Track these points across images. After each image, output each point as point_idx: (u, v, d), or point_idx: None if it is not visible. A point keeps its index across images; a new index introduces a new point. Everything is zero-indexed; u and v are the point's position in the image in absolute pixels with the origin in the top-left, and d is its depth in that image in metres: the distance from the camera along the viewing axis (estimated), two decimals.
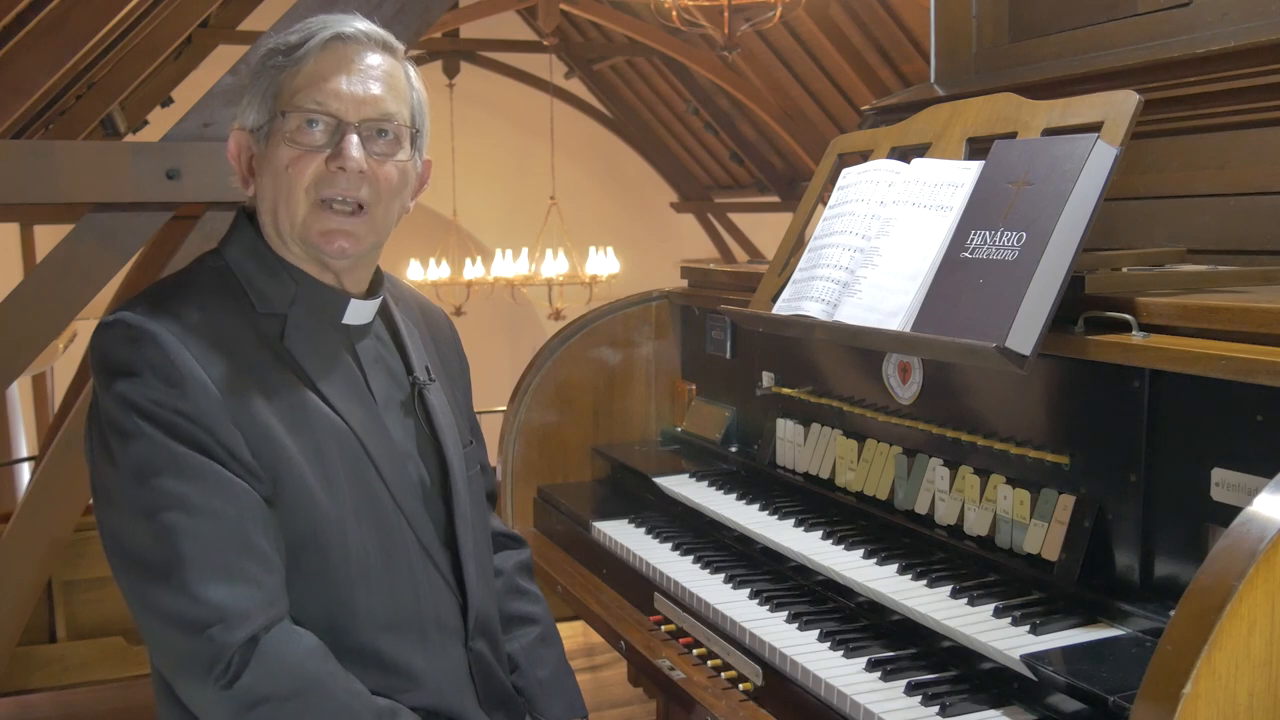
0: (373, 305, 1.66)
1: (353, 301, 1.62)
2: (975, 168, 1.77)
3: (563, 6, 9.61)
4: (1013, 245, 1.61)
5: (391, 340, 1.71)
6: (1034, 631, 1.54)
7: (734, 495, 2.33)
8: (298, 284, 1.58)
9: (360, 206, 1.55)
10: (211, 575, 1.39)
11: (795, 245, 2.14)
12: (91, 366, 1.49)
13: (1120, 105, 1.65)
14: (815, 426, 2.26)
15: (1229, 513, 1.31)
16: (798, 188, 11.16)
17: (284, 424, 1.49)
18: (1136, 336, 1.52)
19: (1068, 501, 1.66)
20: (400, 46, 1.62)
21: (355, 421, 1.56)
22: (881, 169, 1.95)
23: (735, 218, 12.79)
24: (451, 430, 1.72)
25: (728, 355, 2.65)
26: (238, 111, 1.60)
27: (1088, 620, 1.57)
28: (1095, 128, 1.65)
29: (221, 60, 7.59)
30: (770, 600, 1.93)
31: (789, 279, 2.05)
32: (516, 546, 1.97)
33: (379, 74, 1.56)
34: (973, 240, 1.68)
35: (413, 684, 1.56)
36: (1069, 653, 1.48)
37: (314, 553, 1.50)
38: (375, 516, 1.56)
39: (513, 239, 10.64)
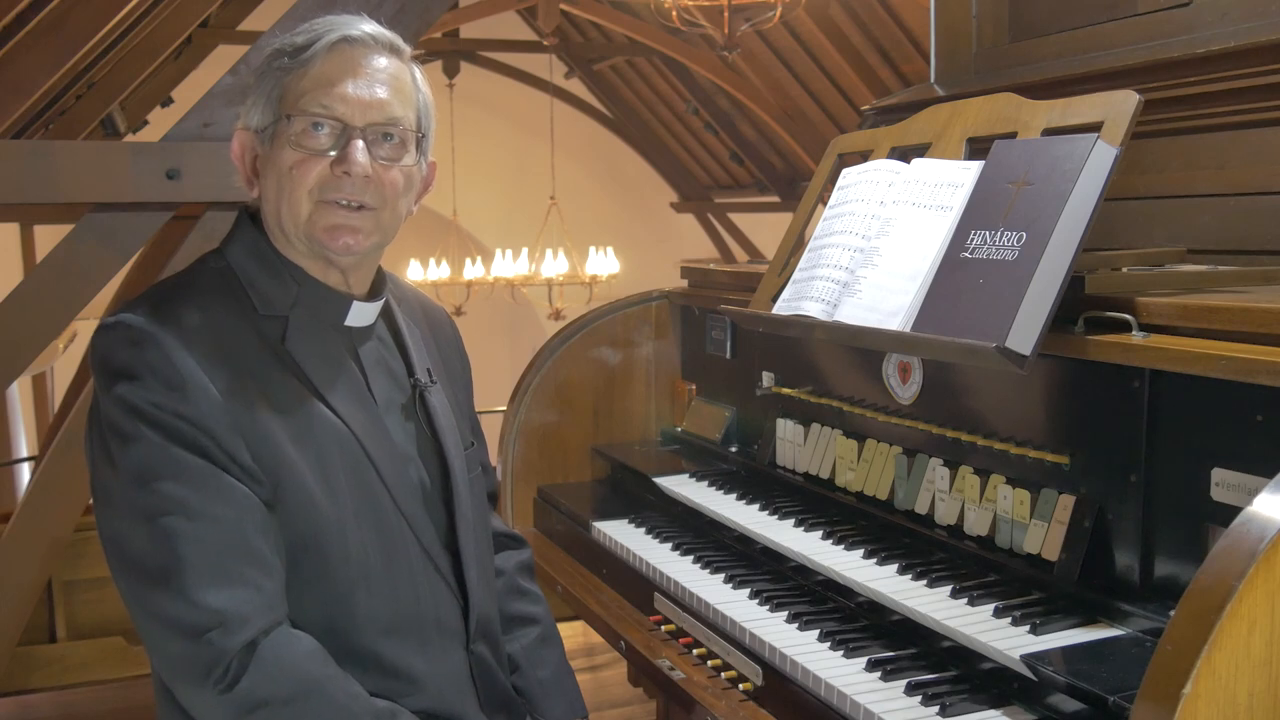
0: (375, 307, 1.66)
1: (355, 304, 1.62)
2: (975, 168, 1.77)
3: (563, 6, 9.60)
4: (1013, 245, 1.61)
5: (393, 341, 1.71)
6: (1034, 631, 1.54)
7: (734, 495, 2.33)
8: (300, 285, 1.57)
9: (363, 205, 1.55)
10: (211, 580, 1.39)
11: (795, 245, 2.14)
12: (92, 368, 1.49)
13: (1120, 105, 1.65)
14: (815, 426, 2.26)
15: (1229, 513, 1.31)
16: (798, 188, 11.16)
17: (285, 427, 1.49)
18: (1136, 336, 1.52)
19: (1068, 501, 1.66)
20: (407, 49, 1.61)
21: (356, 424, 1.55)
22: (881, 169, 1.95)
23: (735, 218, 12.78)
24: (453, 432, 1.71)
25: (728, 355, 2.65)
26: (242, 111, 1.59)
27: (1088, 620, 1.57)
28: (1095, 128, 1.65)
29: (221, 60, 7.59)
30: (770, 600, 1.93)
31: (789, 279, 2.05)
32: (517, 547, 1.97)
33: (385, 77, 1.55)
34: (973, 240, 1.68)
35: (413, 687, 1.56)
36: (1069, 653, 1.48)
37: (314, 556, 1.49)
38: (376, 519, 1.55)
39: (513, 239, 10.63)
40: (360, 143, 1.52)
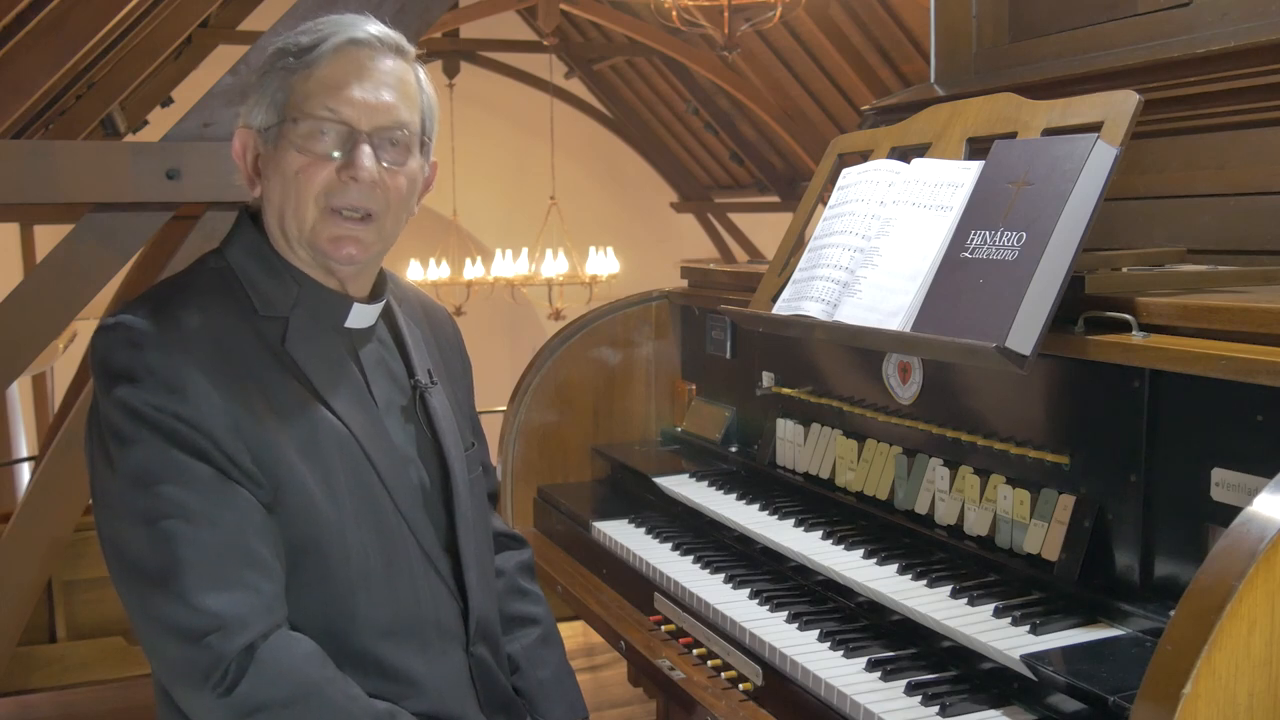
0: (375, 309, 1.66)
1: (355, 305, 1.61)
2: (975, 168, 1.77)
3: (563, 6, 9.60)
4: (1013, 245, 1.61)
5: (394, 342, 1.70)
6: (1034, 631, 1.54)
7: (734, 495, 2.33)
8: (300, 286, 1.57)
9: (369, 215, 1.54)
10: (210, 583, 1.38)
11: (795, 245, 2.14)
12: (92, 369, 1.48)
13: (1120, 105, 1.65)
14: (815, 426, 2.26)
15: (1229, 513, 1.31)
16: (798, 188, 11.16)
17: (285, 429, 1.48)
18: (1136, 336, 1.52)
19: (1068, 501, 1.66)
20: (411, 50, 1.59)
21: (356, 426, 1.55)
22: (881, 169, 1.95)
23: (735, 218, 12.78)
24: (453, 433, 1.71)
25: (728, 355, 2.65)
26: (244, 110, 1.57)
27: (1088, 620, 1.57)
28: (1095, 128, 1.65)
29: (221, 60, 7.59)
30: (770, 600, 1.93)
31: (789, 279, 2.05)
32: (518, 547, 1.97)
33: (392, 80, 1.54)
34: (973, 240, 1.68)
35: (413, 690, 1.56)
36: (1069, 653, 1.48)
37: (315, 558, 1.49)
38: (376, 521, 1.55)
39: (513, 239, 10.63)
40: (367, 148, 1.51)
